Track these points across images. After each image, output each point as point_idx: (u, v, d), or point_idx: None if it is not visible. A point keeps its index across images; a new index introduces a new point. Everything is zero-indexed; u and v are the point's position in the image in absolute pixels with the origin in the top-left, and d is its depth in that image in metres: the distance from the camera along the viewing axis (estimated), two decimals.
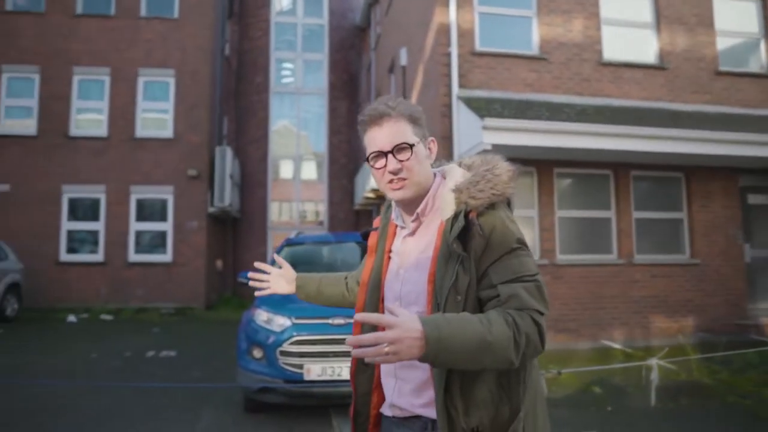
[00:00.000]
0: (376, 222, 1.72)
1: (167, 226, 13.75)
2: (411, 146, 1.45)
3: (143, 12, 14.26)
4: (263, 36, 16.04)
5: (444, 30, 8.78)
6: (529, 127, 7.51)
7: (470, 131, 8.09)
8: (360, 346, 1.13)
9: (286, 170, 16.54)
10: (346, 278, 1.96)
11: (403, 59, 11.44)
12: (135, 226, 13.66)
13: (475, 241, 1.35)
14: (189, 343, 8.83)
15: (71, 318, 11.84)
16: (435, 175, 1.56)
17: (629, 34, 9.42)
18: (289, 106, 16.46)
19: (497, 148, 7.47)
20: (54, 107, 13.71)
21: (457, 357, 1.18)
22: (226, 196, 14.03)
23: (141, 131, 13.89)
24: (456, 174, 1.50)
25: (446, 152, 8.64)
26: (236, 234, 17.54)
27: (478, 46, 8.89)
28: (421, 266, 1.45)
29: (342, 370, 4.74)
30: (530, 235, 8.68)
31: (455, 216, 1.39)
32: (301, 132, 16.37)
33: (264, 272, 1.96)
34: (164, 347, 8.56)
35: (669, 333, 8.55)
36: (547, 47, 9.00)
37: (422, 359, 1.16)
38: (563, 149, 7.81)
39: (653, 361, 3.30)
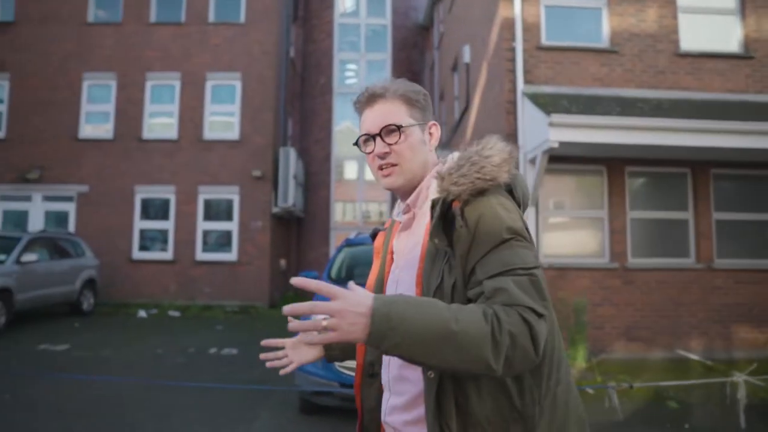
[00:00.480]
0: (387, 223, 1.56)
1: (233, 226, 14.07)
2: (399, 128, 1.29)
3: (211, 18, 14.68)
4: (327, 38, 16.19)
5: (509, 25, 8.49)
6: (600, 123, 7.11)
7: (536, 128, 7.77)
8: (298, 319, 0.99)
9: (349, 170, 16.62)
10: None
11: (467, 56, 11.21)
12: (202, 225, 14.06)
13: (459, 235, 1.16)
14: (251, 342, 8.94)
15: (142, 313, 12.30)
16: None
17: (709, 21, 8.79)
18: (352, 107, 16.48)
19: (565, 146, 7.14)
20: (129, 112, 14.33)
21: (410, 343, 0.98)
22: (290, 197, 14.22)
23: (208, 133, 14.29)
24: (449, 159, 1.32)
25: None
26: (300, 234, 17.80)
27: (544, 40, 8.54)
28: (410, 265, 1.29)
29: None
30: (598, 237, 8.25)
31: (433, 206, 1.20)
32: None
33: (277, 348, 1.55)
34: (227, 345, 8.71)
35: (755, 345, 7.89)
36: (618, 39, 8.52)
37: (367, 340, 0.98)
38: (636, 146, 7.35)
39: (740, 377, 2.96)
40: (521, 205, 1.28)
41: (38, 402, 5.44)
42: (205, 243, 14.07)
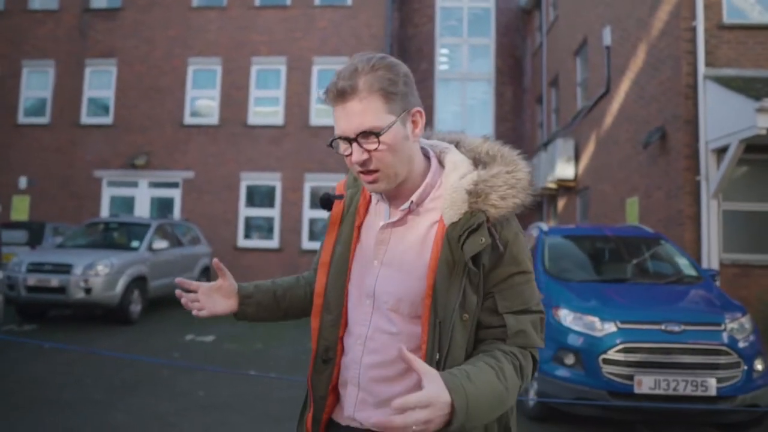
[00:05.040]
0: (340, 187, 1.42)
1: None
2: (378, 135, 1.15)
3: (317, 1, 14.33)
4: (428, 22, 15.68)
5: (688, 2, 7.83)
6: None
7: (725, 114, 7.14)
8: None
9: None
10: (299, 280, 1.58)
11: (607, 39, 10.55)
12: (308, 213, 13.81)
13: (488, 256, 1.19)
14: None
15: None
16: (428, 153, 1.30)
17: None
18: (454, 93, 16.01)
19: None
20: (234, 97, 14.15)
21: (481, 422, 1.09)
22: None
23: (315, 119, 14.00)
24: (460, 161, 1.26)
25: (691, 138, 7.73)
26: None
27: (726, 19, 7.85)
28: (409, 270, 1.23)
29: (679, 384, 4.12)
30: None
31: (476, 228, 1.17)
32: (466, 119, 15.86)
33: (190, 290, 1.45)
34: None
35: None
36: None
37: (446, 431, 1.02)
38: None
39: None
40: None
41: (244, 402, 5.18)
42: (311, 232, 13.82)
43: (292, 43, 14.16)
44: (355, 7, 14.17)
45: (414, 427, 0.97)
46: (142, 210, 14.11)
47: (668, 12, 8.27)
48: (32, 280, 8.29)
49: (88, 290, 8.27)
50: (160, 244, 9.93)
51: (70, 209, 13.94)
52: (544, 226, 6.46)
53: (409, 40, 15.96)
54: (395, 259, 1.25)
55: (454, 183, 1.22)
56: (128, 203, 14.25)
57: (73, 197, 14.12)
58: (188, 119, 14.28)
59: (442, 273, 1.18)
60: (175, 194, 14.13)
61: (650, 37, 8.88)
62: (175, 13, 14.47)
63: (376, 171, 1.19)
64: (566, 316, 4.62)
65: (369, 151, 1.17)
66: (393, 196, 1.28)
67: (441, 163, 1.29)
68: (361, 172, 1.21)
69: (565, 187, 12.74)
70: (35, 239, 10.69)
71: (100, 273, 8.37)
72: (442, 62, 16.13)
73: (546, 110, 14.91)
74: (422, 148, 1.29)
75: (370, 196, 1.34)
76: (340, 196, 1.39)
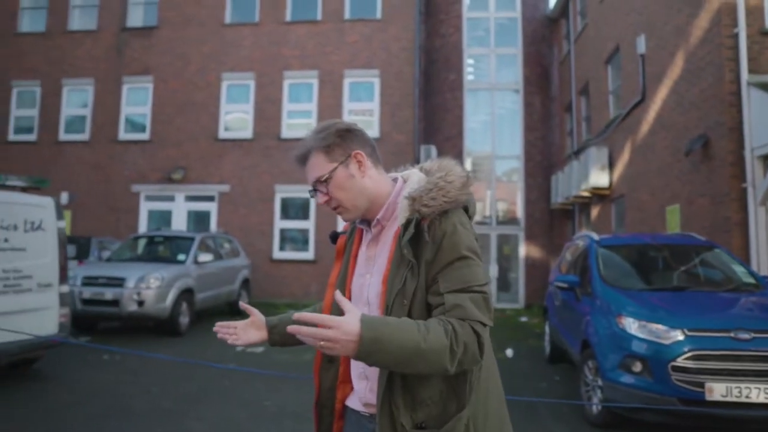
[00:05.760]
0: (345, 226, 1.74)
1: None
2: (323, 180, 1.50)
3: (347, 15, 14.57)
4: (455, 32, 15.82)
5: (729, 9, 7.87)
6: None
7: None
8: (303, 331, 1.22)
9: (480, 168, 16.21)
10: (314, 308, 1.88)
11: (641, 47, 10.59)
12: (342, 225, 13.91)
13: (424, 248, 1.40)
14: None
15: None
16: (397, 180, 1.59)
17: None
18: (483, 103, 16.10)
19: None
20: (267, 111, 14.40)
21: (389, 360, 1.25)
22: None
23: None
24: (414, 179, 1.53)
25: (735, 145, 7.74)
26: None
27: None
28: (379, 270, 1.50)
29: (751, 392, 4.16)
30: None
31: (407, 223, 1.42)
32: (495, 128, 15.93)
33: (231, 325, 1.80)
34: None
35: None
36: None
37: (356, 357, 1.23)
38: None
39: None
40: (471, 217, 1.51)
41: None
42: None
43: (324, 57, 14.39)
44: (385, 20, 14.37)
45: (321, 342, 1.20)
46: (179, 223, 14.38)
47: (708, 19, 8.31)
48: (87, 293, 8.54)
49: (140, 303, 8.49)
50: (205, 257, 10.14)
51: (109, 223, 14.27)
52: (595, 235, 6.52)
53: (436, 51, 16.12)
54: (377, 269, 1.51)
55: (404, 194, 1.49)
56: (165, 217, 14.53)
57: (111, 211, 14.45)
58: (223, 133, 14.56)
59: (393, 266, 1.43)
60: (211, 207, 14.39)
61: (689, 44, 8.92)
62: (208, 29, 14.80)
63: (338, 206, 1.52)
64: (631, 324, 4.68)
65: (326, 194, 1.51)
66: (369, 222, 1.56)
67: None
68: (333, 209, 1.54)
69: (598, 195, 12.74)
70: (82, 253, 10.98)
71: (151, 286, 8.58)
72: (469, 72, 16.24)
73: (576, 119, 14.93)
74: (393, 177, 1.60)
75: (362, 230, 1.62)
76: (344, 232, 1.71)
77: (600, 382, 4.90)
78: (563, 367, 7.30)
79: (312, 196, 1.58)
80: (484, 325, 1.34)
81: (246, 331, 1.75)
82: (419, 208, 1.41)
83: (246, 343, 1.74)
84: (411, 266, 1.39)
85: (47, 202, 6.42)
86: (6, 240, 5.84)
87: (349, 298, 1.57)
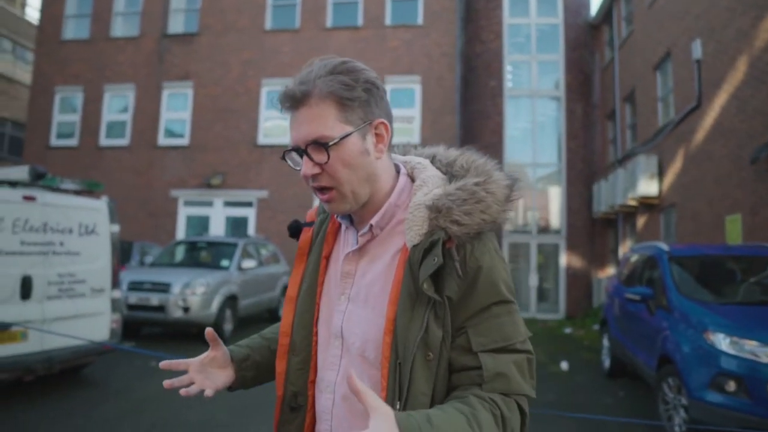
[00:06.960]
0: (311, 215, 1.27)
1: None
2: (324, 144, 1.01)
3: (388, 21, 14.46)
4: (496, 39, 15.59)
5: None
6: None
7: None
8: None
9: (521, 176, 15.97)
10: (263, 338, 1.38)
11: (697, 52, 10.24)
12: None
13: (451, 282, 1.00)
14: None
15: None
16: (399, 169, 1.14)
17: None
18: (524, 110, 15.81)
19: None
20: None
21: None
22: None
23: None
24: (430, 177, 1.11)
25: None
26: None
27: None
28: (373, 303, 1.07)
29: None
30: None
31: (430, 247, 1.00)
32: (537, 136, 15.63)
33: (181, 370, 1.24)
34: None
35: None
36: None
37: None
38: None
39: None
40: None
41: None
42: None
43: (364, 62, 14.06)
44: (426, 26, 14.23)
45: None
46: (217, 229, 14.36)
47: None
48: (133, 298, 8.48)
49: (186, 309, 8.40)
50: (248, 263, 10.04)
51: (148, 228, 14.30)
52: (665, 246, 6.21)
53: (477, 57, 15.90)
54: (361, 294, 1.09)
55: (418, 200, 1.06)
56: (203, 222, 14.53)
57: (150, 216, 14.49)
58: (262, 139, 14.54)
59: (403, 305, 1.01)
60: (249, 213, 14.34)
61: (753, 48, 8.56)
62: (249, 36, 14.83)
63: (330, 189, 1.05)
64: (722, 340, 4.38)
65: (320, 165, 1.03)
66: (359, 221, 1.13)
67: (414, 181, 1.14)
68: (316, 189, 1.06)
69: (646, 205, 12.35)
70: (124, 258, 10.96)
71: (197, 292, 8.49)
72: (509, 79, 15.99)
73: (620, 126, 14.55)
74: (396, 166, 1.15)
75: (340, 223, 1.18)
76: (310, 224, 1.24)
77: (684, 401, 4.60)
78: (625, 382, 6.99)
79: (286, 159, 1.11)
80: (529, 397, 1.02)
81: (205, 374, 1.23)
82: (446, 225, 1.01)
83: (216, 390, 1.22)
84: (433, 305, 1.00)
85: (101, 205, 6.35)
86: (61, 243, 5.77)
87: (315, 322, 1.16)
